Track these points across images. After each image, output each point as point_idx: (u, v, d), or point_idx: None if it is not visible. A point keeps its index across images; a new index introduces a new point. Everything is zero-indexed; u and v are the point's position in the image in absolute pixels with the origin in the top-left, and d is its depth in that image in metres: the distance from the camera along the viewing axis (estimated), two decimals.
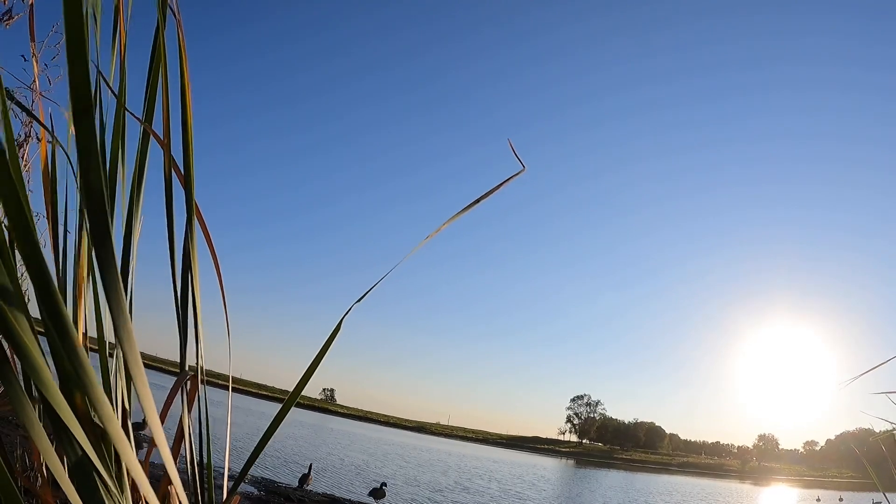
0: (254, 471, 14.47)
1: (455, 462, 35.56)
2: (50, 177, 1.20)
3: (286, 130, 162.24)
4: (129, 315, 0.66)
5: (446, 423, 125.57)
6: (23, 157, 1.98)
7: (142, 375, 0.68)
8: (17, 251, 0.63)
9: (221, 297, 1.13)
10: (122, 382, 1.04)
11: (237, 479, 1.07)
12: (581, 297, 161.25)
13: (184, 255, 1.06)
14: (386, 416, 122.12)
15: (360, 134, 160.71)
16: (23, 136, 2.00)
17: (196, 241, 1.07)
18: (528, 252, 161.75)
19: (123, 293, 0.65)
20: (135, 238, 1.05)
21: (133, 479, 0.88)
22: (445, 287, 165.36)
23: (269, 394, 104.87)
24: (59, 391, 0.61)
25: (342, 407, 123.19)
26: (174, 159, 1.07)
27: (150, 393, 0.70)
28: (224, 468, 1.10)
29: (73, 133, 1.10)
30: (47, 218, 1.20)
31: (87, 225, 0.62)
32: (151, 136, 1.05)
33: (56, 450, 0.74)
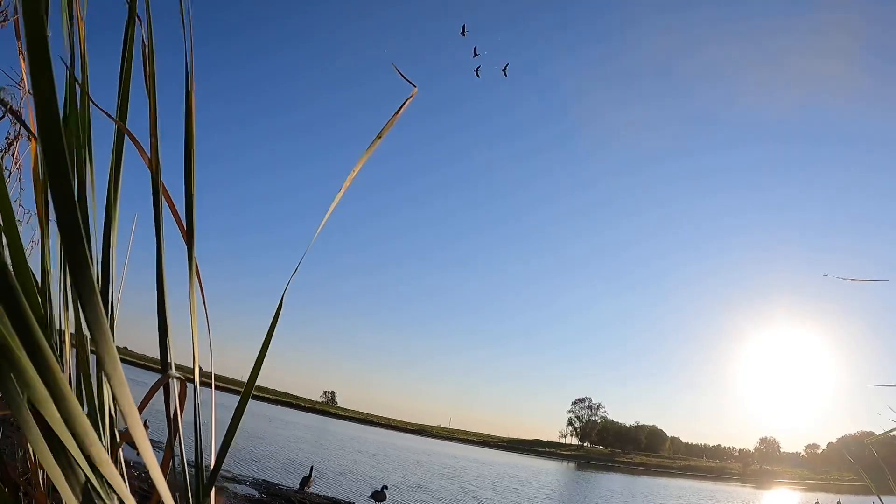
0: (255, 473, 14.48)
1: (430, 461, 35.17)
2: (40, 175, 1.20)
3: (276, 138, 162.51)
4: (105, 319, 0.65)
5: (447, 426, 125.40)
6: (13, 156, 1.99)
7: (120, 377, 0.67)
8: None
9: (202, 303, 1.13)
10: (108, 392, 1.04)
11: (211, 474, 1.06)
12: (583, 301, 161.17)
13: (158, 267, 1.06)
14: (387, 418, 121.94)
15: (359, 140, 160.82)
16: (13, 135, 2.01)
17: (196, 264, 1.07)
18: (530, 257, 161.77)
19: (100, 299, 0.64)
20: (113, 236, 1.05)
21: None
22: (448, 292, 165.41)
23: (271, 396, 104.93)
24: (48, 396, 0.60)
25: (343, 410, 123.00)
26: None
27: (132, 401, 0.69)
28: (211, 466, 1.10)
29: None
30: (38, 217, 1.20)
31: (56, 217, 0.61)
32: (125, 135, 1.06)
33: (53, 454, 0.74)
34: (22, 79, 1.33)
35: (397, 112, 1.19)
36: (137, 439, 0.68)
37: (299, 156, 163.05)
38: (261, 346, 1.07)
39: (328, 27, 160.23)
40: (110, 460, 0.64)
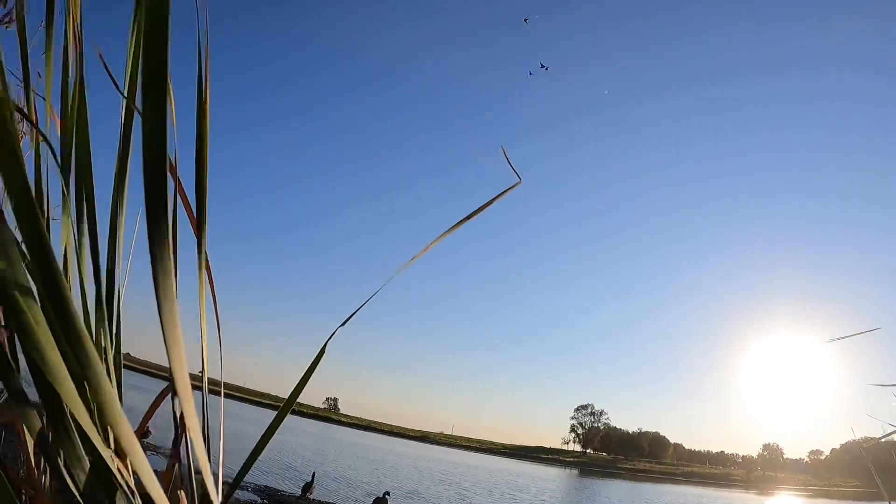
0: (257, 479, 14.44)
1: (429, 467, 34.89)
2: (42, 173, 1.20)
3: (283, 145, 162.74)
4: (178, 325, 0.65)
5: (450, 433, 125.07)
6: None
7: (188, 389, 0.67)
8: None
9: (213, 303, 1.12)
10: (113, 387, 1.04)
11: (231, 487, 1.06)
12: (586, 308, 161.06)
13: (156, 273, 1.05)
14: (389, 425, 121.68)
15: (359, 148, 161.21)
16: (20, 134, 2.02)
17: (205, 264, 1.07)
18: (533, 263, 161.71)
19: (176, 305, 0.64)
20: (120, 234, 1.05)
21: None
22: (452, 298, 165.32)
23: (273, 402, 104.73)
24: (79, 398, 0.60)
25: (346, 416, 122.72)
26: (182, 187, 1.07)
27: (194, 411, 0.70)
28: (221, 476, 1.09)
29: (61, 128, 1.11)
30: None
31: (146, 224, 0.61)
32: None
33: (64, 458, 0.73)
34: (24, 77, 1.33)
35: (492, 200, 1.13)
36: (195, 439, 0.68)
37: (302, 160, 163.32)
38: (295, 385, 1.04)
39: (340, 28, 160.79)
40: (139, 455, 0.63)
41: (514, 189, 1.19)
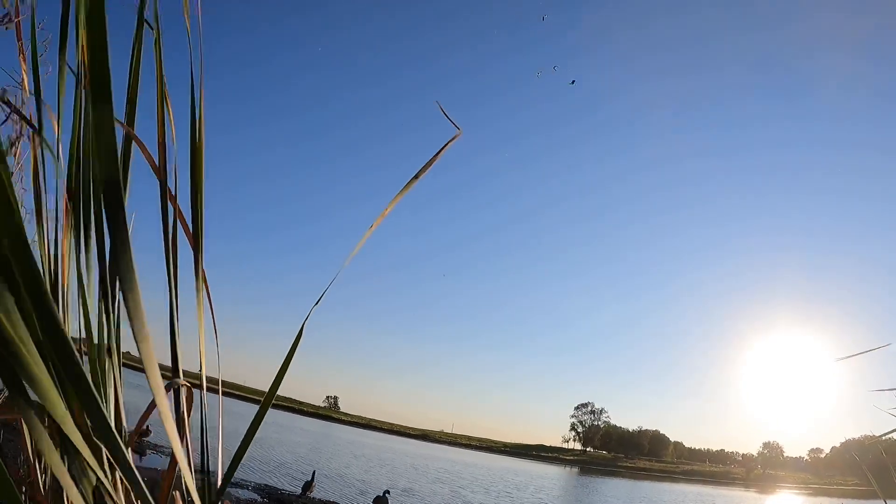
0: (257, 478, 14.45)
1: (426, 465, 34.79)
2: (40, 177, 1.20)
3: (281, 143, 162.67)
4: (144, 320, 0.65)
5: (450, 432, 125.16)
6: (15, 156, 1.98)
7: (158, 381, 0.67)
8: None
9: (210, 312, 1.13)
10: (117, 389, 1.04)
11: (223, 482, 1.06)
12: (586, 306, 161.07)
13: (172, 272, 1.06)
14: (389, 424, 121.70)
15: (358, 148, 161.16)
16: (14, 136, 2.01)
17: (202, 279, 1.07)
18: (533, 263, 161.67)
19: (141, 300, 0.64)
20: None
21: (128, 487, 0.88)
22: (452, 298, 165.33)
23: (280, 403, 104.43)
24: (60, 400, 0.60)
25: (346, 415, 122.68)
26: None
27: (166, 403, 0.70)
28: (221, 474, 1.09)
29: (57, 129, 1.11)
30: (35, 218, 1.20)
31: (106, 221, 0.61)
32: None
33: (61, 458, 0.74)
34: (23, 80, 1.32)
35: (437, 154, 1.15)
36: (174, 444, 0.68)
37: (302, 158, 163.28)
38: (278, 371, 1.05)
39: (336, 28, 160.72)
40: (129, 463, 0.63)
41: (455, 140, 1.19)
